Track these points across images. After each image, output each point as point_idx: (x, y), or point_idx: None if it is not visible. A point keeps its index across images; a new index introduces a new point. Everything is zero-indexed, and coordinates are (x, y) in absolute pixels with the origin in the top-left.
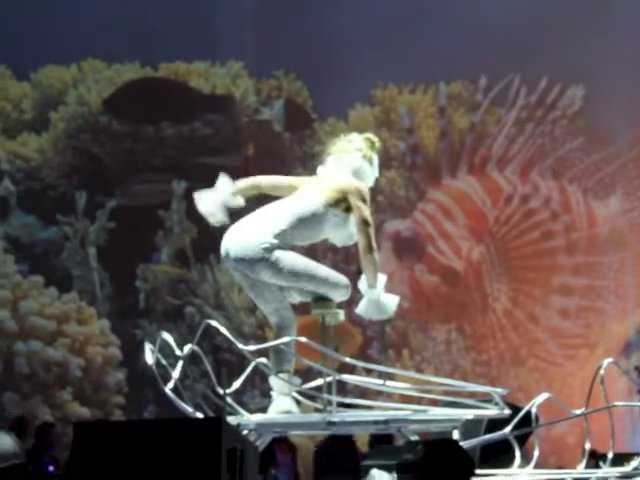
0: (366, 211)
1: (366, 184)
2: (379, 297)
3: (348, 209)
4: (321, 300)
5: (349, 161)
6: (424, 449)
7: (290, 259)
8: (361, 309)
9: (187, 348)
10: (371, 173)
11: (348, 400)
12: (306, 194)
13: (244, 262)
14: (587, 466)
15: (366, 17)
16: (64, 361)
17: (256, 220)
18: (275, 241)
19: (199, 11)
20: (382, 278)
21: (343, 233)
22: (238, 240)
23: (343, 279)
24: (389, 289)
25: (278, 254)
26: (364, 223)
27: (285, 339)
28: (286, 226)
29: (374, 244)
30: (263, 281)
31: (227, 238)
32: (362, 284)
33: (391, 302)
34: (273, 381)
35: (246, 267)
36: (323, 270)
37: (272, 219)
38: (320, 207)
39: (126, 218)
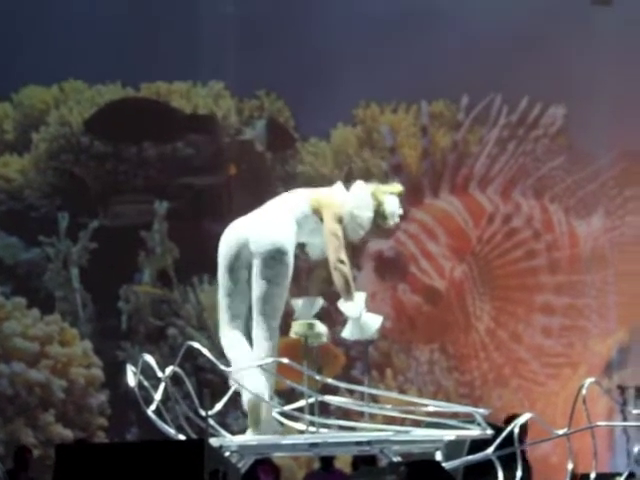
0: (334, 225)
1: (361, 216)
2: (360, 316)
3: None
4: (303, 321)
5: (355, 188)
6: (407, 470)
7: (287, 268)
8: (345, 331)
9: (169, 370)
10: (368, 210)
11: (330, 421)
12: (295, 197)
13: (267, 254)
14: None
15: (348, 36)
16: (47, 382)
17: (270, 217)
18: (293, 239)
19: (180, 31)
20: (361, 296)
21: (318, 241)
22: (262, 237)
23: (276, 323)
24: (372, 308)
25: (290, 256)
26: (332, 235)
27: (267, 360)
28: (294, 224)
29: (343, 256)
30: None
31: (242, 231)
32: (341, 304)
33: (373, 322)
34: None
35: (264, 260)
36: (279, 302)
37: (284, 218)
38: (305, 207)
39: (108, 239)
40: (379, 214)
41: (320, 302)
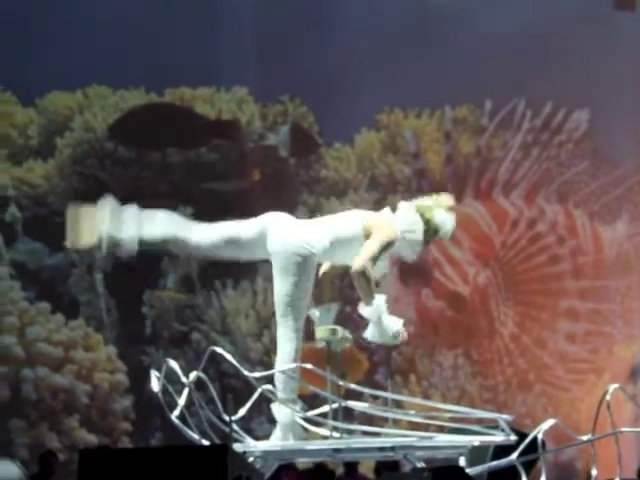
0: (377, 246)
1: (413, 237)
2: (380, 319)
3: None
4: (326, 327)
5: (403, 209)
6: (431, 476)
7: (310, 272)
8: (367, 332)
9: (193, 375)
10: (419, 232)
11: (354, 427)
12: (348, 216)
13: (284, 259)
14: None
15: (371, 41)
16: (71, 387)
17: (306, 225)
18: (318, 249)
19: (204, 36)
20: (381, 299)
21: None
22: (286, 238)
23: (299, 325)
24: (395, 313)
25: (312, 260)
26: (369, 251)
27: (291, 365)
28: (328, 242)
29: (367, 264)
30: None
31: (274, 226)
32: (361, 308)
33: (394, 325)
34: (275, 409)
35: (283, 262)
36: (302, 305)
37: (321, 231)
38: (357, 229)
39: None
40: (429, 231)
41: (336, 307)
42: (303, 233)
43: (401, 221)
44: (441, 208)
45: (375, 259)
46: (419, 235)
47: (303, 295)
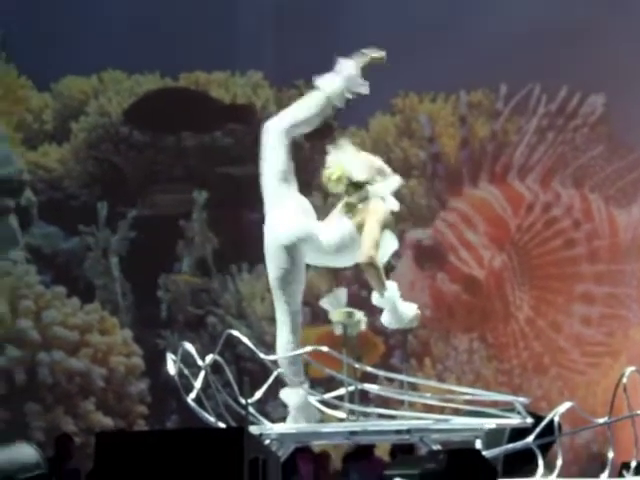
0: (375, 230)
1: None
2: (394, 304)
3: None
4: (342, 310)
5: None
6: (447, 459)
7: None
8: (383, 318)
9: (209, 358)
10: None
11: (370, 410)
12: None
13: (273, 244)
14: (611, 475)
15: (386, 26)
16: (87, 371)
17: (294, 211)
18: (304, 234)
19: (219, 21)
20: (393, 286)
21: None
22: (274, 226)
23: (294, 308)
24: (411, 297)
25: (300, 246)
26: (370, 234)
27: (307, 349)
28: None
29: (373, 253)
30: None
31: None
32: (375, 298)
33: (408, 310)
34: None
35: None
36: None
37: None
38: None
39: (147, 228)
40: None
41: (344, 291)
42: (289, 221)
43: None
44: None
45: (378, 245)
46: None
47: (294, 278)
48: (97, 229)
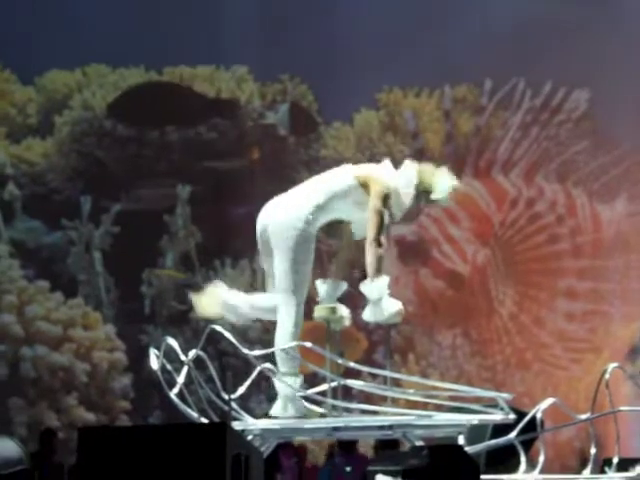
0: (379, 202)
1: (403, 196)
2: (381, 299)
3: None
4: (325, 305)
5: (405, 166)
6: (429, 454)
7: (307, 245)
8: (365, 313)
9: (192, 353)
10: (410, 187)
11: (353, 405)
12: (339, 171)
13: (280, 235)
14: (593, 471)
15: (371, 21)
16: (70, 366)
17: (294, 196)
18: (311, 216)
19: (204, 15)
20: (385, 280)
21: (362, 216)
22: (278, 216)
23: (299, 299)
24: (394, 293)
25: (308, 232)
26: (374, 212)
27: (291, 344)
28: (322, 200)
29: (378, 237)
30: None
31: (265, 214)
32: (364, 286)
33: (392, 306)
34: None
35: (279, 239)
36: (301, 279)
37: (309, 194)
38: (350, 180)
39: (131, 223)
40: (427, 192)
41: (344, 286)
42: (292, 207)
43: (399, 177)
44: (444, 174)
45: (384, 223)
46: (408, 196)
47: (302, 269)
48: (80, 223)
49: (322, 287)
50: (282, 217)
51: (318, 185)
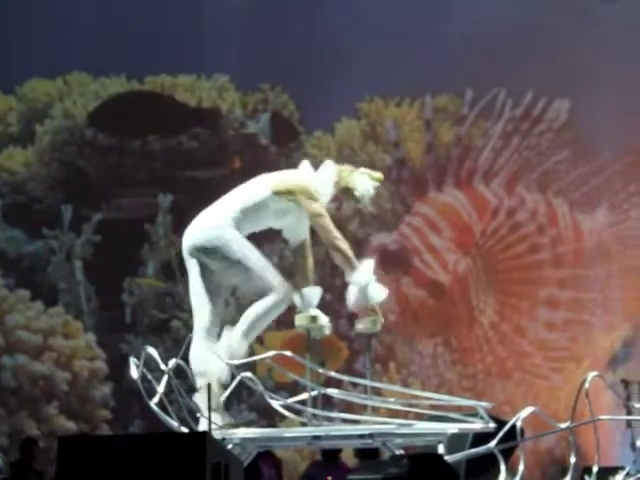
0: (315, 205)
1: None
2: (368, 283)
3: (292, 200)
4: (306, 314)
5: (324, 167)
6: (409, 463)
7: (239, 241)
8: (349, 298)
9: (172, 362)
10: (327, 192)
11: (333, 414)
12: (256, 181)
13: (200, 246)
14: None
15: (352, 30)
16: (50, 375)
17: (210, 210)
18: (230, 222)
19: (185, 24)
20: (369, 264)
21: (288, 222)
22: (195, 228)
23: (279, 282)
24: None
25: (231, 235)
26: (316, 217)
27: (269, 353)
28: (238, 212)
29: (335, 233)
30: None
31: (185, 233)
32: (348, 275)
33: (379, 292)
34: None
35: (200, 251)
36: (263, 265)
37: (225, 207)
38: (266, 192)
39: (112, 231)
40: (349, 193)
41: (319, 290)
42: (210, 226)
43: (318, 176)
44: (364, 174)
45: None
46: (327, 195)
47: (218, 284)
48: (61, 232)
49: (297, 298)
50: (201, 237)
51: (234, 200)
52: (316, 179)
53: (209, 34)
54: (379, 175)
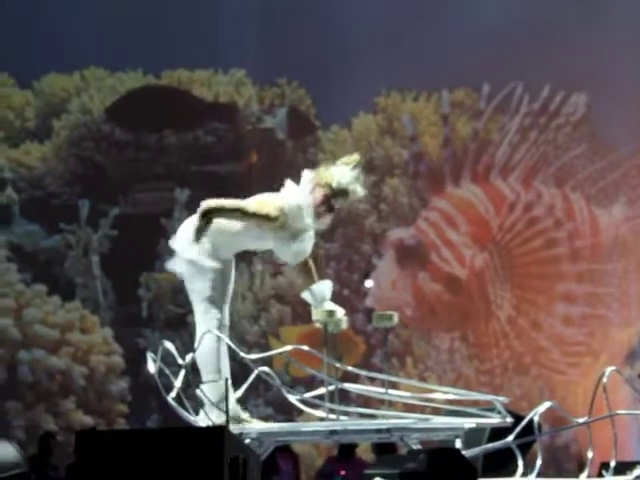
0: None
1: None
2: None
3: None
4: (323, 309)
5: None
6: (427, 458)
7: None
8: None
9: (189, 357)
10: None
11: (350, 409)
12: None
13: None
14: (590, 475)
15: (369, 25)
16: (67, 370)
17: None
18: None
19: (202, 19)
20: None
21: (277, 245)
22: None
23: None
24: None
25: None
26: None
27: (287, 348)
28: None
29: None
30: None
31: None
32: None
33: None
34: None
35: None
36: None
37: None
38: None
39: (129, 226)
40: (331, 190)
41: (329, 284)
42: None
43: (300, 191)
44: (341, 165)
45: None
46: (299, 204)
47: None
48: (78, 227)
49: (307, 295)
50: (185, 243)
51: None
52: (299, 195)
53: (226, 29)
54: (355, 157)
